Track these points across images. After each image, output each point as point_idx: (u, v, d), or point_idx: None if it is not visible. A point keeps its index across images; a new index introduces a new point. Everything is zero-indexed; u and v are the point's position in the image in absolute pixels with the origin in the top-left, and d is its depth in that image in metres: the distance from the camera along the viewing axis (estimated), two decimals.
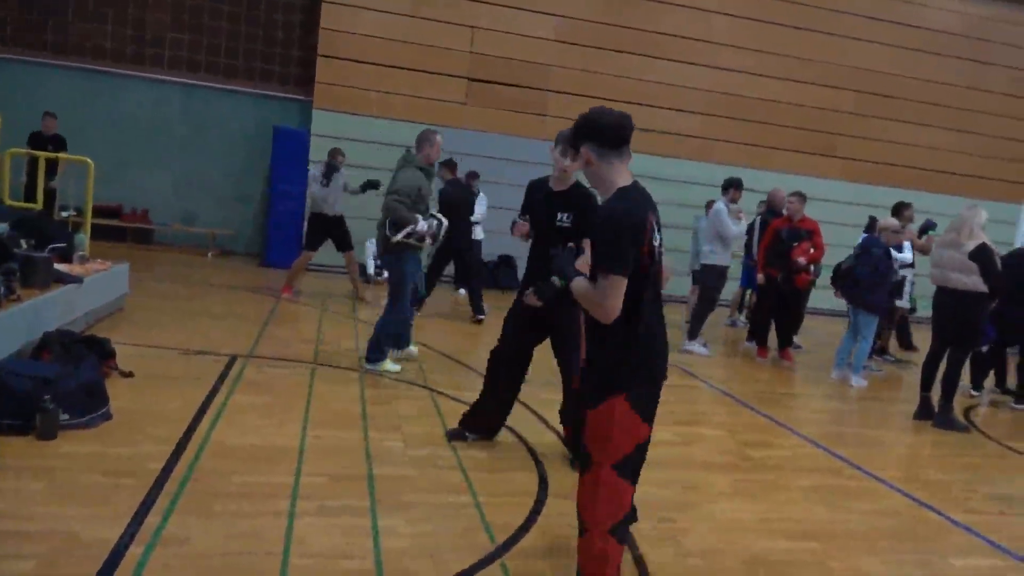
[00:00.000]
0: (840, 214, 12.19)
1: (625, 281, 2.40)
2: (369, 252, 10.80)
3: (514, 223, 4.20)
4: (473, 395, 5.35)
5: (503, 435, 4.61)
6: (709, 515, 3.77)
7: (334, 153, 8.99)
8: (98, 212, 11.24)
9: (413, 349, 6.41)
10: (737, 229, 8.08)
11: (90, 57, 11.63)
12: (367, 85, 11.47)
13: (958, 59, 13.59)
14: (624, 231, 2.41)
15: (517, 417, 4.94)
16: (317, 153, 11.32)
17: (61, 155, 9.06)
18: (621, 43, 12.19)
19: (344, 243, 8.93)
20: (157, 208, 11.91)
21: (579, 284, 2.57)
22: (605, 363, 2.55)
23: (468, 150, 10.88)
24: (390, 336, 5.88)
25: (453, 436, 4.40)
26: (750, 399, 6.40)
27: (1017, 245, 7.83)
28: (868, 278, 7.20)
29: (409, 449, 4.19)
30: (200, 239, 11.94)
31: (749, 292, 10.29)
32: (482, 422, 4.40)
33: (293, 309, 8.25)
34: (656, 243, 2.53)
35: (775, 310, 8.24)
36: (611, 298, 2.41)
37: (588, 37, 12.09)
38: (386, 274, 10.50)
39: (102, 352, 4.73)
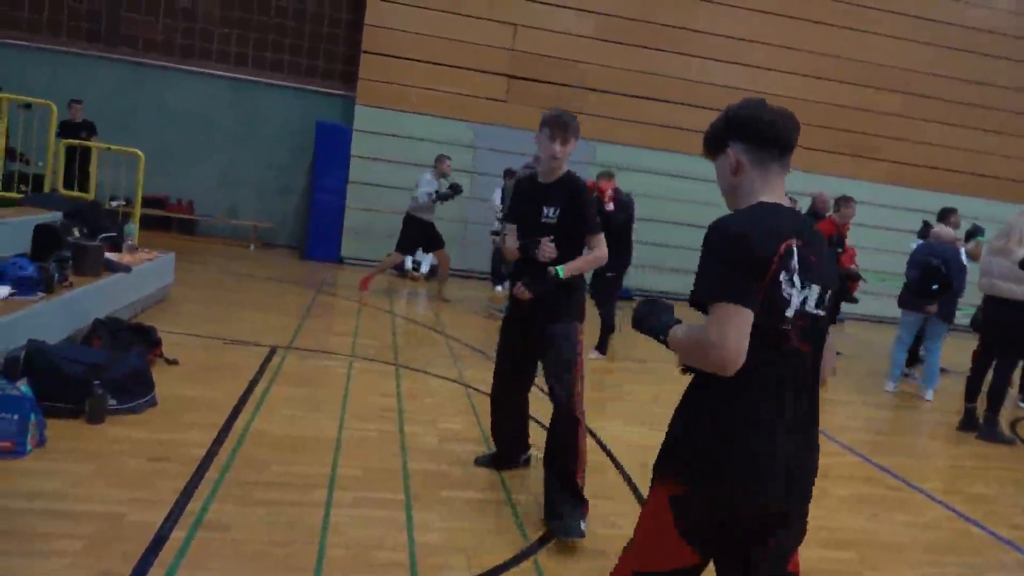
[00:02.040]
0: (883, 218, 11.95)
1: (743, 312, 1.66)
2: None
3: (529, 245, 3.44)
4: None
5: (540, 435, 4.62)
6: None
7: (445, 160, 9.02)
8: (145, 202, 11.56)
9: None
10: None
11: (140, 49, 11.93)
12: (409, 81, 11.57)
13: (1005, 60, 13.19)
14: (727, 249, 1.72)
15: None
16: (359, 148, 11.48)
17: (113, 146, 9.31)
18: (658, 41, 12.10)
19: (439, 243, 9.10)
20: (202, 199, 12.17)
21: (676, 334, 1.85)
22: (672, 432, 1.84)
23: (507, 147, 10.92)
24: None
25: (482, 462, 3.99)
26: None
27: None
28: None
29: (443, 444, 4.22)
30: (243, 231, 12.18)
31: None
32: (502, 453, 3.98)
33: (331, 302, 8.37)
34: (793, 295, 1.71)
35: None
36: (717, 334, 1.66)
37: (625, 35, 12.02)
38: (424, 268, 10.69)
39: (149, 340, 4.86)
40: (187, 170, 12.02)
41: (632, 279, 10.15)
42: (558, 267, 3.35)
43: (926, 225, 8.12)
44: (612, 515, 3.54)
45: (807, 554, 3.41)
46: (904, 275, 7.25)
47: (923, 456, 5.50)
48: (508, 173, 10.02)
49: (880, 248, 11.63)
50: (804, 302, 1.73)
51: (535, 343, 3.52)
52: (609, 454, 4.39)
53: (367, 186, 11.51)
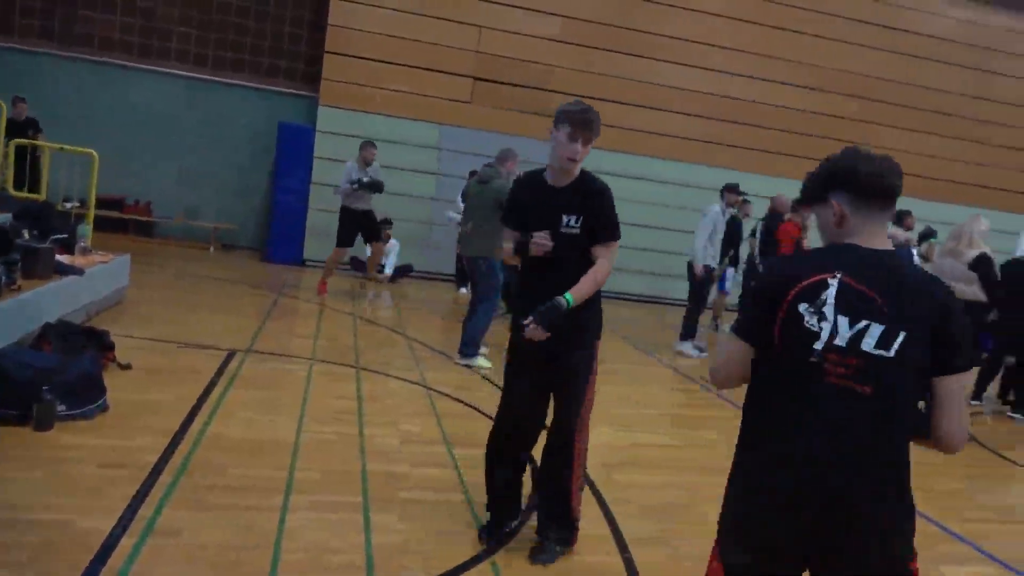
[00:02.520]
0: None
1: (737, 342, 1.81)
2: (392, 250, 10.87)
3: (523, 242, 3.04)
4: (470, 394, 5.42)
5: None
6: (703, 518, 3.77)
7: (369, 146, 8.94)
8: (100, 204, 11.31)
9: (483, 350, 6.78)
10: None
11: (97, 48, 11.67)
12: (373, 82, 11.50)
13: (963, 68, 13.57)
14: (755, 285, 1.87)
15: None
16: (322, 149, 11.37)
17: (66, 146, 9.10)
18: (624, 45, 12.20)
19: (375, 234, 9.17)
20: (160, 201, 11.94)
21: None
22: None
23: (472, 149, 10.90)
24: (484, 332, 6.41)
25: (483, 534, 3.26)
26: None
27: (1017, 254, 7.81)
28: None
29: (404, 446, 4.20)
30: (202, 233, 11.97)
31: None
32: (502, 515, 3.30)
33: (293, 305, 8.28)
34: (824, 327, 1.70)
35: None
36: (717, 357, 1.85)
37: (592, 38, 12.10)
38: (388, 269, 10.62)
39: (101, 344, 4.75)
40: (145, 171, 11.79)
41: None
42: (567, 295, 2.86)
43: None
44: None
45: None
46: None
47: None
48: (473, 175, 10.01)
49: None
50: (852, 338, 1.67)
51: (551, 373, 3.08)
52: None
53: (330, 187, 11.36)
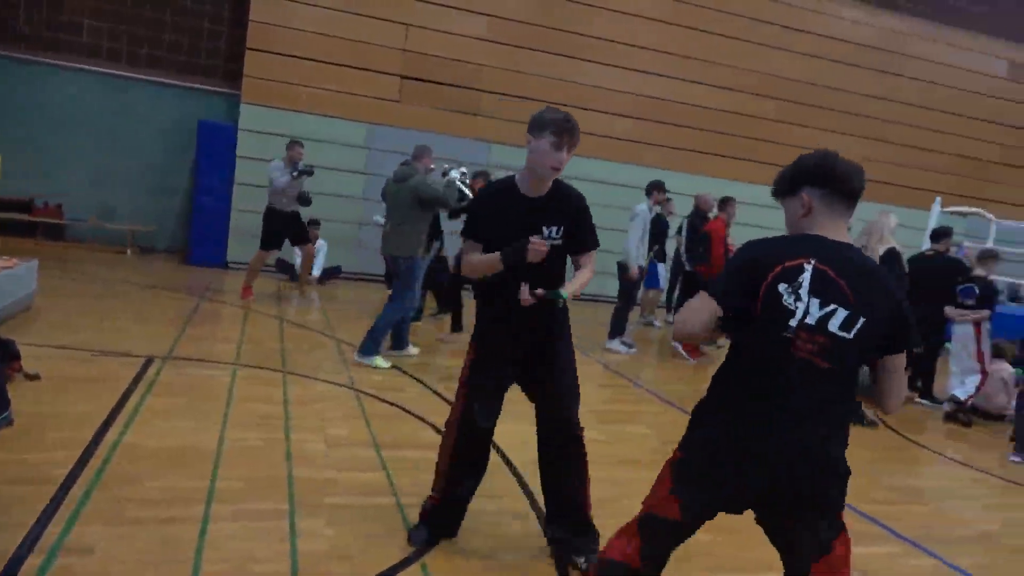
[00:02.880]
0: (761, 218, 12.59)
1: (711, 304, 2.03)
2: (297, 251, 10.57)
3: (523, 248, 2.83)
4: (400, 395, 5.37)
5: (430, 436, 4.61)
6: (631, 511, 3.84)
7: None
8: (4, 206, 10.73)
9: (414, 349, 6.78)
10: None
11: (1, 43, 11.05)
12: (298, 80, 11.26)
13: (872, 71, 14.25)
14: (734, 256, 2.12)
15: (445, 417, 4.94)
16: (245, 148, 11.07)
17: None
18: (552, 45, 12.31)
19: (303, 237, 8.98)
20: (72, 203, 11.39)
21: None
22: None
23: (401, 148, 10.77)
24: (385, 332, 6.29)
25: (416, 539, 3.17)
26: (676, 398, 6.56)
27: (923, 249, 8.25)
28: None
29: (331, 450, 4.13)
30: (118, 236, 11.48)
31: (676, 294, 10.57)
32: (444, 521, 3.22)
33: (215, 309, 8.03)
34: (799, 307, 1.95)
35: None
36: (683, 310, 2.10)
37: (520, 38, 12.16)
38: (316, 271, 10.42)
39: (6, 354, 4.50)
40: (55, 172, 11.23)
41: None
42: (561, 291, 2.88)
43: None
44: (501, 514, 3.57)
45: (690, 539, 3.57)
46: None
47: None
48: None
49: None
50: (821, 318, 1.94)
51: (531, 365, 3.04)
52: (501, 453, 4.42)
53: (254, 187, 11.08)
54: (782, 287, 1.95)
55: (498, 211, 2.97)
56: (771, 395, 1.96)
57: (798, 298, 1.94)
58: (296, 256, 10.26)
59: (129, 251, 11.25)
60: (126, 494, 3.26)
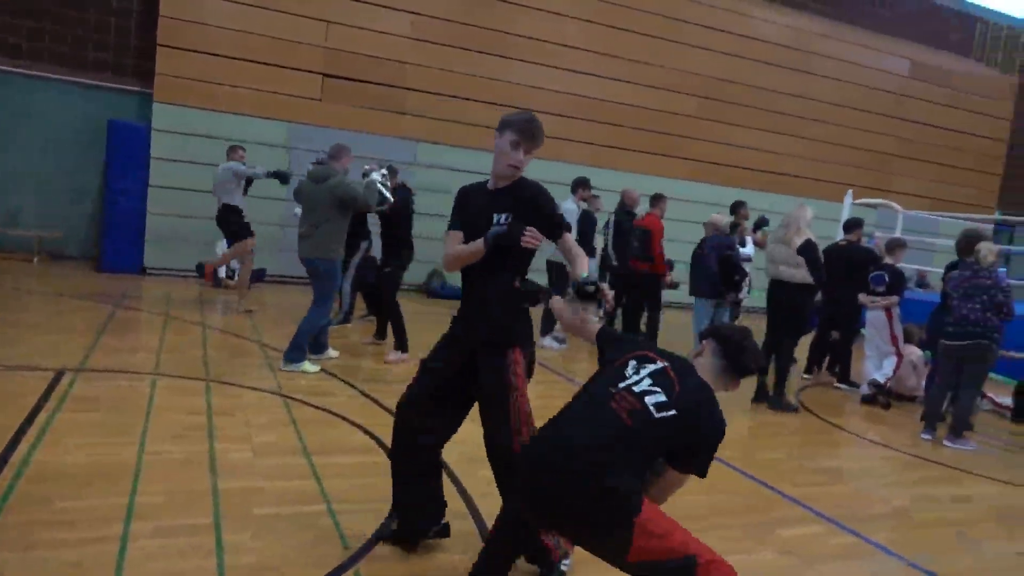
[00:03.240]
0: (686, 212, 12.92)
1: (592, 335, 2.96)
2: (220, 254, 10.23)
3: (518, 232, 2.96)
4: (329, 400, 5.26)
5: (361, 439, 4.53)
6: None
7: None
8: None
9: (333, 352, 6.63)
10: None
11: None
12: (214, 78, 10.87)
13: (788, 69, 14.79)
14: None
15: (376, 420, 4.87)
16: (159, 149, 10.64)
17: None
18: (476, 43, 12.29)
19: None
20: None
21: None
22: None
23: (324, 147, 10.47)
24: (310, 337, 6.12)
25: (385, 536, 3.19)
26: None
27: (837, 239, 8.61)
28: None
29: (258, 459, 4.01)
30: (24, 242, 10.84)
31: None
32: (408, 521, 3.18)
33: (132, 317, 7.69)
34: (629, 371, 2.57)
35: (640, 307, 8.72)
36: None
37: (444, 36, 12.09)
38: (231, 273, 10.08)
39: None
40: None
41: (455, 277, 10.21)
42: (583, 273, 2.93)
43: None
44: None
45: None
46: (695, 265, 7.85)
47: None
48: None
49: (681, 239, 12.58)
50: (643, 393, 2.48)
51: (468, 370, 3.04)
52: None
53: (171, 190, 10.68)
54: (632, 362, 2.56)
55: (467, 204, 3.16)
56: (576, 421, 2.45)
57: (637, 372, 2.51)
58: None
59: (36, 258, 10.64)
60: (37, 516, 3.07)
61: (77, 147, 11.16)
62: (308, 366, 6.03)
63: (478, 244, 2.96)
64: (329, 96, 11.52)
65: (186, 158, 10.68)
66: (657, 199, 8.90)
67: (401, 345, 6.83)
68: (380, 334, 7.47)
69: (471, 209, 3.12)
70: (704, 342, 2.71)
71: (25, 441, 3.84)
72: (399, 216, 7.06)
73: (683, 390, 2.46)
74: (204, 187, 10.21)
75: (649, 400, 2.40)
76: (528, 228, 2.88)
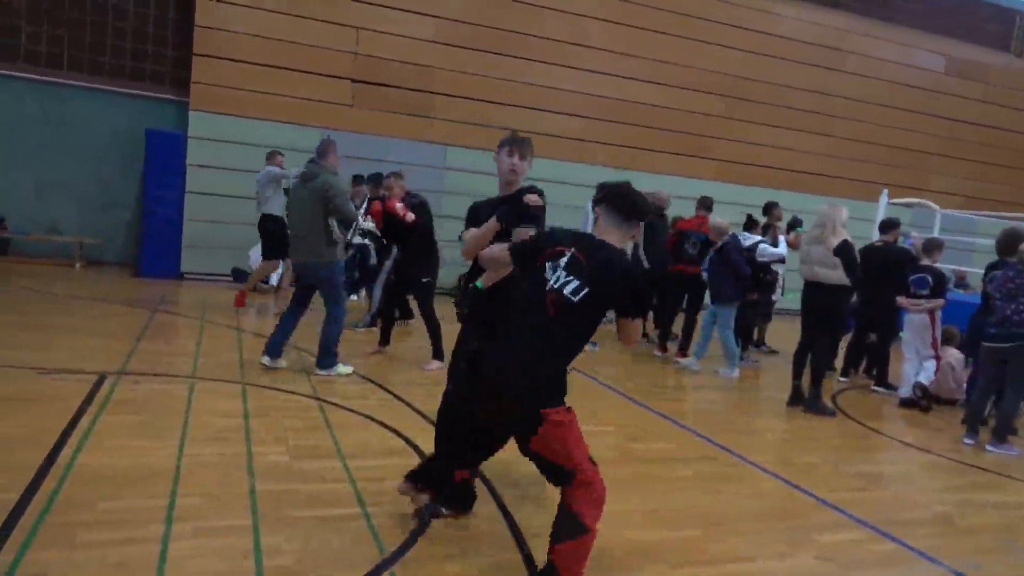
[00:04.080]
0: (716, 213, 12.79)
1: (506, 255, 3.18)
2: (253, 259, 10.39)
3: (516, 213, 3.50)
4: (363, 403, 5.31)
5: (396, 443, 4.56)
6: None
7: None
8: None
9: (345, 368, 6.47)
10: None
11: None
12: (248, 86, 11.06)
13: (817, 67, 14.59)
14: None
15: (410, 423, 4.91)
16: (195, 156, 10.84)
17: None
18: (502, 46, 12.33)
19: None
20: (15, 216, 11.02)
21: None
22: None
23: (354, 152, 10.68)
24: (336, 340, 6.07)
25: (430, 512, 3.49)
26: (637, 394, 6.61)
27: (873, 240, 8.46)
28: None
29: (294, 462, 4.06)
30: (66, 249, 11.13)
31: None
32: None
33: (171, 321, 7.84)
34: (550, 278, 2.88)
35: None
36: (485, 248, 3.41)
37: (470, 39, 12.14)
38: (273, 280, 10.23)
39: None
40: None
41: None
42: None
43: (749, 219, 8.77)
44: (471, 516, 3.54)
45: (653, 536, 3.59)
46: (713, 272, 7.82)
47: (757, 432, 5.93)
48: (357, 179, 9.81)
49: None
50: (561, 286, 2.78)
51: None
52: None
53: (206, 196, 10.88)
54: (548, 264, 2.84)
55: (480, 209, 3.75)
56: (511, 329, 2.86)
57: (554, 271, 2.81)
58: (252, 263, 10.21)
59: (77, 265, 10.92)
60: (80, 517, 3.15)
61: (116, 156, 11.42)
62: (342, 368, 6.08)
63: (490, 221, 3.43)
64: (359, 101, 11.63)
65: (221, 165, 10.87)
66: (708, 201, 8.79)
67: (439, 354, 6.76)
68: (384, 340, 7.30)
69: (482, 214, 3.63)
70: (596, 208, 2.99)
71: (69, 444, 3.94)
72: (424, 230, 7.05)
73: (591, 262, 2.78)
74: (238, 193, 10.42)
75: (567, 290, 2.77)
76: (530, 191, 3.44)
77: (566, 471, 2.71)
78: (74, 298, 8.43)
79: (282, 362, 6.13)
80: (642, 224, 3.02)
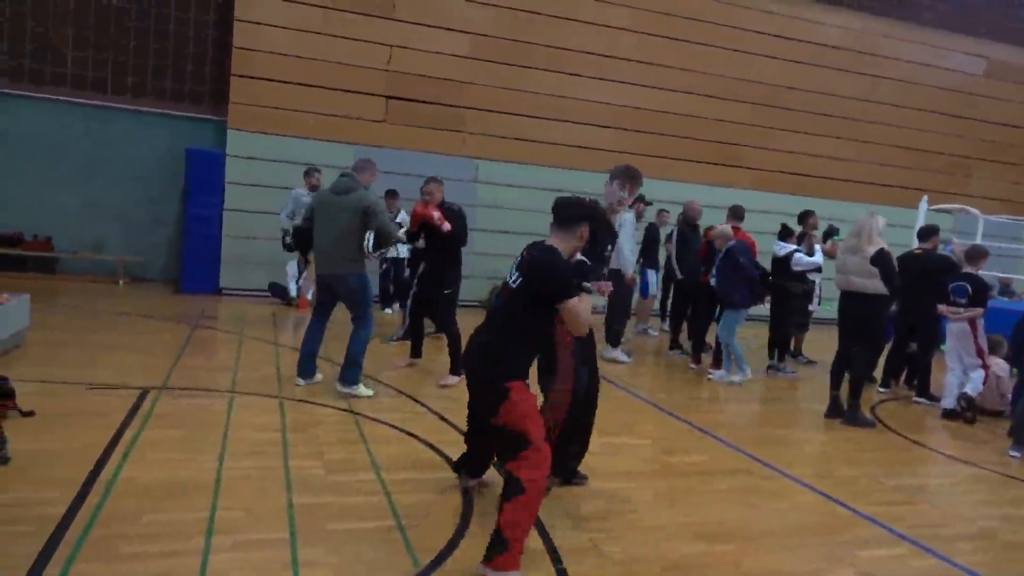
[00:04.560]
0: (751, 223, 12.67)
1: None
2: (291, 275, 10.57)
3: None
4: (398, 416, 5.36)
5: (430, 456, 4.60)
6: (630, 524, 3.84)
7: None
8: None
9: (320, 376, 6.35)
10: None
11: None
12: (283, 104, 11.29)
13: (849, 72, 14.39)
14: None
15: (444, 437, 4.94)
16: (233, 174, 11.08)
17: None
18: (533, 60, 12.40)
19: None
20: (61, 235, 11.36)
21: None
22: None
23: (388, 168, 10.80)
24: (362, 352, 5.96)
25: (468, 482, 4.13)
26: (672, 407, 6.56)
27: (911, 247, 8.30)
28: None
29: (331, 475, 4.12)
30: (110, 267, 11.45)
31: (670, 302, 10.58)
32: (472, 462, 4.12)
33: (210, 336, 8.00)
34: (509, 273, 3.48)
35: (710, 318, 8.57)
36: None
37: (501, 54, 12.23)
38: (309, 295, 10.39)
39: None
40: (43, 205, 11.20)
41: None
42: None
43: (784, 228, 8.66)
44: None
45: (689, 549, 3.56)
46: (721, 279, 7.75)
47: (794, 444, 5.83)
48: (390, 193, 9.95)
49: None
50: (512, 280, 3.39)
51: None
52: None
53: (244, 213, 11.11)
54: (511, 267, 3.45)
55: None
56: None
57: (511, 273, 3.41)
58: (290, 277, 10.41)
59: (121, 282, 11.22)
60: (124, 530, 3.23)
61: (157, 175, 11.73)
62: (363, 389, 5.93)
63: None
64: (393, 117, 11.79)
65: (257, 182, 11.10)
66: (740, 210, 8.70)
67: (456, 369, 6.74)
68: (415, 352, 7.38)
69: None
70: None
71: (113, 458, 4.05)
72: (457, 239, 7.06)
73: (525, 257, 3.37)
74: (274, 209, 10.61)
75: (511, 280, 3.38)
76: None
77: (524, 440, 3.14)
78: (118, 315, 8.66)
79: (318, 376, 6.20)
80: (588, 226, 3.45)
